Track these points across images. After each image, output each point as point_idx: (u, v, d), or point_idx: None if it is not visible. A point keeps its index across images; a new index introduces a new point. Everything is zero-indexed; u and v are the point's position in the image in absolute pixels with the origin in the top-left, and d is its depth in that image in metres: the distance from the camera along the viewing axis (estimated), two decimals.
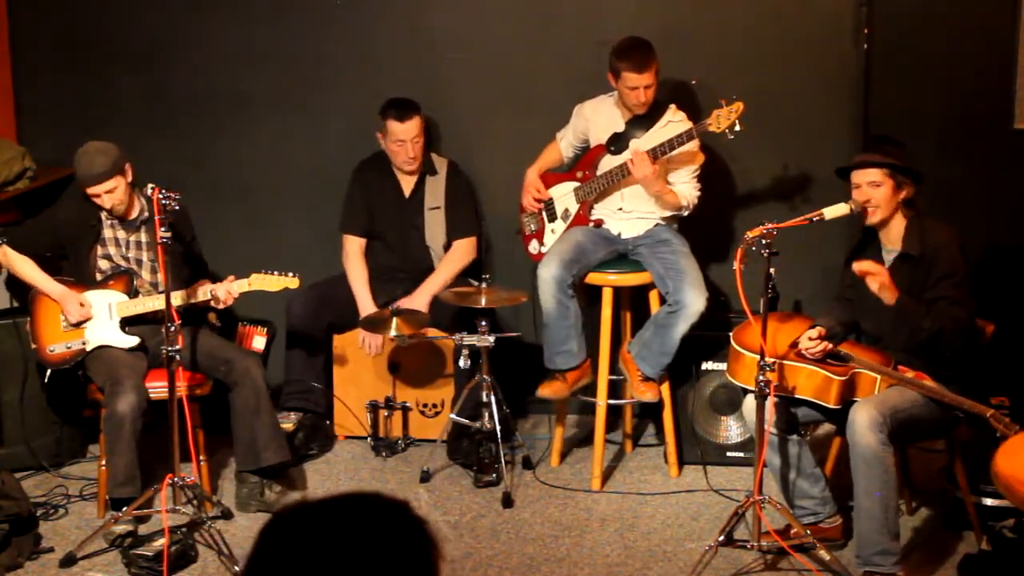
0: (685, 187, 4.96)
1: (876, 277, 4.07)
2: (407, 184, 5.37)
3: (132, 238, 4.78)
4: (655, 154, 4.78)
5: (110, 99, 5.65)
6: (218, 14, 5.60)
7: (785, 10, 5.37)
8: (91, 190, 4.61)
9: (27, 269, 4.77)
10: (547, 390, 5.04)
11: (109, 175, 4.59)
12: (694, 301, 4.79)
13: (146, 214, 4.71)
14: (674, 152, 4.81)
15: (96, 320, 4.71)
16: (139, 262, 4.79)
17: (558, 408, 5.18)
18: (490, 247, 5.61)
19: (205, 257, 5.03)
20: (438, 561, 1.58)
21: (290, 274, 4.73)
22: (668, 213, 4.99)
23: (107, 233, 4.77)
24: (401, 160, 5.27)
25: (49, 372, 4.79)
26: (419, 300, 5.22)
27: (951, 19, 5.29)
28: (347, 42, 5.58)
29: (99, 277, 4.78)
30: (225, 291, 4.66)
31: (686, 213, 4.99)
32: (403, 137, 5.21)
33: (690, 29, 5.40)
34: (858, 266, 4.12)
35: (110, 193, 4.61)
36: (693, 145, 4.87)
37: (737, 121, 4.64)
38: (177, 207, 4.35)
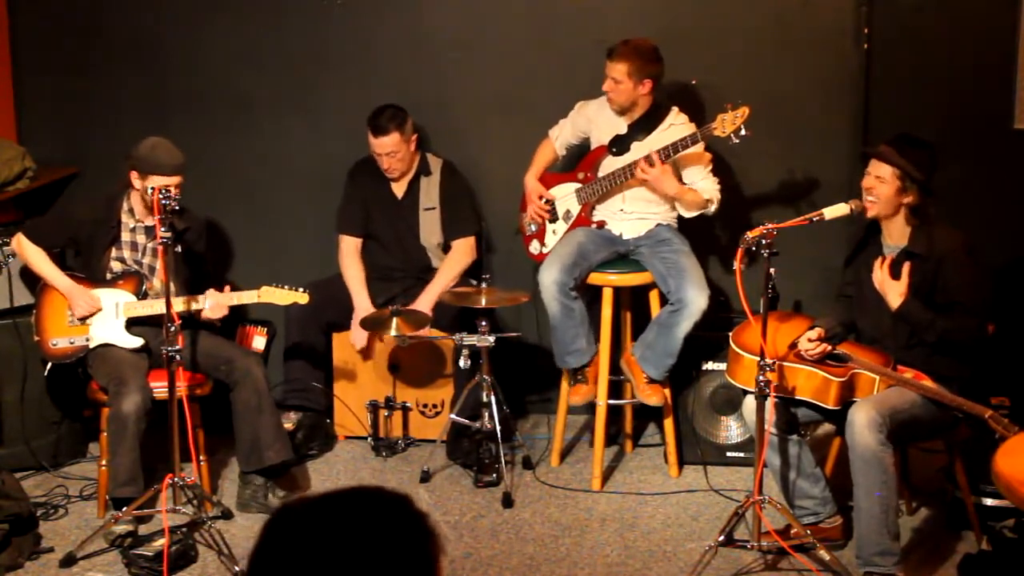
0: (705, 183, 4.91)
1: (893, 288, 4.10)
2: (399, 186, 5.36)
3: (150, 244, 4.76)
4: (665, 154, 4.76)
5: (110, 99, 5.66)
6: (218, 14, 5.60)
7: (785, 10, 5.37)
8: (168, 179, 4.53)
9: (39, 261, 4.78)
10: (577, 397, 5.02)
11: (184, 169, 4.61)
12: (696, 299, 4.78)
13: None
14: (679, 154, 4.80)
15: (102, 318, 4.71)
16: (152, 268, 4.78)
17: (558, 408, 5.19)
18: (490, 247, 5.61)
19: (215, 268, 5.02)
20: (438, 554, 1.60)
21: (300, 289, 4.72)
22: (695, 213, 4.94)
23: (125, 236, 4.77)
24: (382, 168, 5.28)
25: (49, 365, 4.79)
26: (421, 306, 5.19)
27: (951, 19, 5.29)
28: (347, 42, 5.58)
29: (109, 277, 4.78)
30: (219, 308, 4.65)
31: (714, 208, 4.92)
32: (378, 151, 5.22)
33: (690, 29, 5.40)
34: (878, 282, 4.14)
35: (179, 188, 4.57)
36: (698, 146, 4.85)
37: (743, 126, 4.62)
38: (177, 207, 4.36)
